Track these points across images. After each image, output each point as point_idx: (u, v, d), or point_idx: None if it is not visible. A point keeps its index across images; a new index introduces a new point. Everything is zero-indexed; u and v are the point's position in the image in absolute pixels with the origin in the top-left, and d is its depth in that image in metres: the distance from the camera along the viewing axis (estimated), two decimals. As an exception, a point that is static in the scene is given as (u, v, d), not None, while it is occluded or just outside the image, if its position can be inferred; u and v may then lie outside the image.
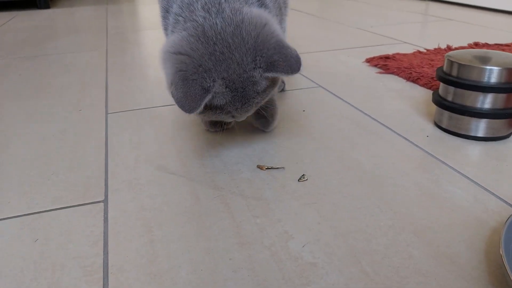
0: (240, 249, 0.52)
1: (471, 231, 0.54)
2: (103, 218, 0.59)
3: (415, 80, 1.07)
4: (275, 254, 0.51)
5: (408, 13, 2.11)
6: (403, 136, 0.79)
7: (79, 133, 0.85)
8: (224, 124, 0.80)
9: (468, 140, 0.78)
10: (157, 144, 0.79)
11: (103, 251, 0.53)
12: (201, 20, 0.61)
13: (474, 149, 0.75)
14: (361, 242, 0.52)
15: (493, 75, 0.74)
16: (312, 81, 1.12)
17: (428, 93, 1.00)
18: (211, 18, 0.60)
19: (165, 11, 0.69)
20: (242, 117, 0.68)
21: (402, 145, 0.76)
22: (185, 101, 0.57)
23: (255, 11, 0.63)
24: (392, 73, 1.14)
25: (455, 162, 0.70)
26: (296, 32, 1.71)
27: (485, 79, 0.75)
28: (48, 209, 0.62)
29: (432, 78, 1.04)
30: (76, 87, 1.13)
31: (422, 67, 1.13)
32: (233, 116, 0.67)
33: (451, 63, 0.78)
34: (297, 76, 1.16)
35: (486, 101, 0.76)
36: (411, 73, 1.10)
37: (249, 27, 0.61)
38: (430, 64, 1.16)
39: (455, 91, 0.78)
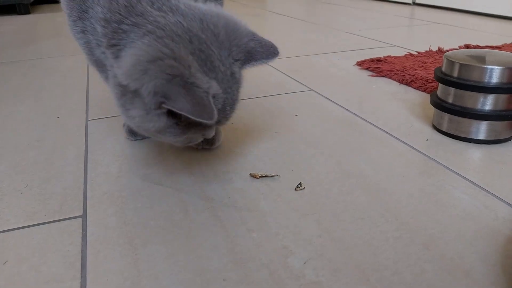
0: (235, 268, 0.47)
1: (484, 241, 0.50)
2: (81, 235, 0.53)
3: (408, 83, 1.04)
4: (274, 272, 0.46)
5: (395, 17, 2.10)
6: (402, 141, 0.75)
7: (56, 141, 0.79)
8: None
9: (469, 143, 0.74)
10: (141, 153, 0.74)
11: (81, 274, 0.47)
12: (161, 20, 0.51)
13: (477, 153, 0.71)
14: (368, 256, 0.48)
15: (494, 74, 0.71)
16: (303, 84, 1.08)
17: (423, 96, 0.97)
18: (170, 16, 0.52)
19: (79, 18, 0.58)
20: (213, 132, 0.59)
21: (402, 149, 0.72)
22: (199, 109, 0.47)
23: (203, 4, 0.57)
24: (385, 76, 1.11)
25: (458, 167, 0.66)
26: (285, 36, 1.67)
27: (486, 79, 0.72)
28: (19, 226, 0.56)
29: (426, 80, 1.01)
30: (56, 92, 1.07)
31: (415, 70, 1.10)
32: (203, 134, 0.58)
33: (451, 63, 0.75)
34: (287, 79, 1.12)
35: (487, 102, 0.73)
36: (404, 75, 1.07)
37: (212, 19, 0.54)
38: (422, 66, 1.13)
39: (455, 92, 0.75)
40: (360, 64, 1.20)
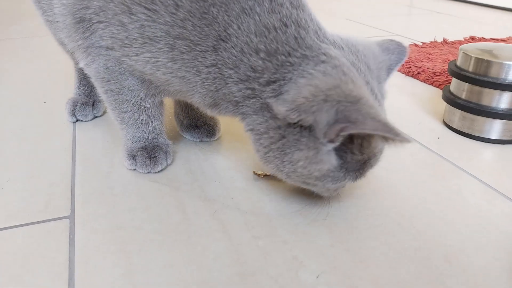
0: (241, 282, 0.42)
1: (507, 253, 0.46)
2: (68, 240, 0.48)
3: (415, 75, 0.99)
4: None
5: (394, 4, 2.04)
6: (413, 139, 0.71)
7: (42, 130, 0.73)
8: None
9: (482, 142, 0.71)
10: (134, 145, 0.68)
11: (68, 285, 0.42)
12: (331, 52, 0.46)
13: (491, 153, 0.68)
14: (386, 270, 0.44)
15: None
16: (305, 74, 1.02)
17: (430, 89, 0.93)
18: (333, 48, 0.47)
19: (213, 49, 0.47)
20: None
21: (413, 148, 0.68)
22: (393, 128, 0.41)
23: (343, 35, 0.53)
24: (390, 67, 1.06)
25: (474, 169, 0.62)
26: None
27: (503, 76, 0.68)
28: (0, 227, 0.50)
29: (434, 73, 0.97)
30: (42, 76, 1.00)
31: (421, 61, 1.05)
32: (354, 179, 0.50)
33: (467, 57, 0.71)
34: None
35: (503, 100, 0.69)
36: (410, 67, 1.02)
37: (361, 50, 0.50)
38: (428, 58, 1.08)
39: (471, 88, 0.71)
40: (363, 53, 1.15)
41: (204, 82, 0.49)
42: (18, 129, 0.73)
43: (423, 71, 0.99)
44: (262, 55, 0.46)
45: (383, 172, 0.61)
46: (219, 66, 0.47)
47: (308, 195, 0.55)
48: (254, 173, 0.60)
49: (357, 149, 0.45)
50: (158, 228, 0.49)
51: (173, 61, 0.49)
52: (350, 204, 0.54)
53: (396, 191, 0.57)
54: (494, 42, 1.25)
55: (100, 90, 0.59)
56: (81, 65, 0.58)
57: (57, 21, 0.60)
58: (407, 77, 1.01)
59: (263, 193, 0.56)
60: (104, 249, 0.46)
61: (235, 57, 0.47)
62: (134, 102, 0.58)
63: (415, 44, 1.21)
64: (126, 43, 0.51)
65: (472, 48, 0.72)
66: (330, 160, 0.45)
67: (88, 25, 0.53)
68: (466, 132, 0.72)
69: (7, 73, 1.02)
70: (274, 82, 0.46)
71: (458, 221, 0.51)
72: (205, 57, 0.48)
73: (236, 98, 0.49)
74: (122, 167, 0.62)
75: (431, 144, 0.69)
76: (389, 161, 0.64)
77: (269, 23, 0.46)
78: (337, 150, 0.45)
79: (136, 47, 0.50)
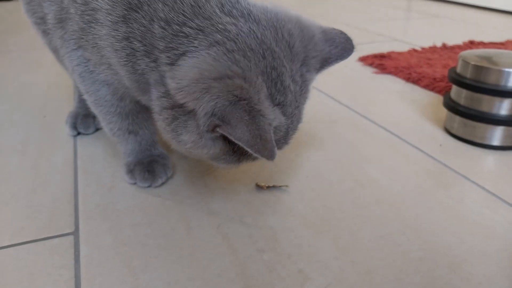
0: (247, 297, 0.42)
1: (511, 262, 0.46)
2: (73, 256, 0.48)
3: (415, 81, 0.99)
4: (291, 302, 0.41)
5: (392, 9, 2.05)
6: (416, 146, 0.71)
7: (43, 145, 0.73)
8: None
9: (484, 149, 0.71)
10: (136, 158, 0.68)
11: (75, 304, 0.42)
12: (233, 29, 0.43)
13: (493, 160, 0.68)
14: (392, 282, 0.44)
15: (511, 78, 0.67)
16: (305, 82, 1.02)
17: (431, 95, 0.93)
18: (242, 23, 0.44)
19: (124, 19, 0.46)
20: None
21: (415, 156, 0.68)
22: (260, 144, 0.40)
23: (272, 5, 0.49)
24: (390, 73, 1.06)
25: (476, 177, 0.62)
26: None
27: (503, 83, 0.68)
28: (5, 245, 0.50)
29: (434, 79, 0.97)
30: (41, 89, 1.00)
31: (421, 67, 1.06)
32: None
33: (466, 64, 0.71)
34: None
35: (504, 107, 0.69)
36: (410, 73, 1.02)
37: (286, 25, 0.47)
38: (428, 63, 1.09)
39: (471, 95, 0.71)
40: (363, 59, 1.15)
41: (120, 62, 0.48)
42: (19, 145, 0.73)
43: (423, 77, 0.99)
44: (162, 23, 0.44)
45: (386, 181, 0.61)
46: (130, 39, 0.45)
47: (313, 208, 0.55)
48: (257, 185, 0.60)
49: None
50: (162, 244, 0.49)
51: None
52: (354, 215, 0.54)
53: (400, 200, 0.57)
54: (493, 45, 1.26)
55: (88, 104, 0.60)
56: (74, 76, 0.59)
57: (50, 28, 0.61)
58: (408, 83, 1.01)
59: (266, 205, 0.56)
60: (109, 265, 0.46)
61: (144, 27, 0.45)
62: (113, 112, 0.58)
63: (414, 49, 1.22)
64: (81, 35, 0.51)
65: (471, 55, 0.72)
66: (216, 146, 0.44)
67: (63, 24, 0.55)
68: (468, 138, 0.72)
69: (5, 86, 1.02)
70: (168, 50, 0.44)
71: (462, 230, 0.51)
72: (117, 30, 0.46)
73: (146, 77, 0.47)
74: (124, 181, 0.62)
75: (433, 152, 0.69)
76: (391, 169, 0.64)
77: None
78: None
79: (85, 35, 0.51)
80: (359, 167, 0.65)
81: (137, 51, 0.46)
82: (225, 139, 0.45)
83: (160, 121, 0.47)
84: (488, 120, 0.70)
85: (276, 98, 0.44)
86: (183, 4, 0.44)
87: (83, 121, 0.76)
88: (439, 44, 1.27)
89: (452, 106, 0.74)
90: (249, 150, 0.40)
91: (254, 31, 0.44)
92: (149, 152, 0.62)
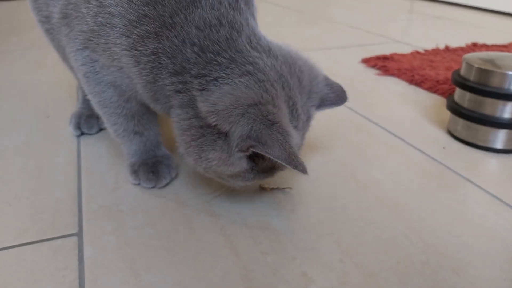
0: (251, 300, 0.42)
1: (517, 267, 0.46)
2: (77, 257, 0.48)
3: (418, 84, 0.99)
4: (295, 305, 0.41)
5: (394, 10, 2.05)
6: (419, 149, 0.71)
7: (46, 145, 0.73)
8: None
9: (487, 152, 0.71)
10: (140, 159, 0.68)
11: (78, 305, 0.42)
12: (260, 62, 0.47)
13: (497, 163, 0.68)
14: (396, 284, 0.44)
15: (516, 81, 0.67)
16: (308, 83, 1.02)
17: (434, 98, 0.93)
18: (265, 58, 0.48)
19: (155, 35, 0.47)
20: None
21: (419, 158, 0.68)
22: (296, 160, 0.44)
23: (283, 44, 0.54)
24: (393, 75, 1.06)
25: (480, 179, 0.62)
26: (281, 29, 1.62)
27: (506, 86, 0.68)
28: (8, 245, 0.50)
29: (437, 81, 0.97)
30: (44, 89, 1.00)
31: (424, 69, 1.06)
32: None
33: (470, 67, 0.71)
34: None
35: (507, 110, 0.69)
36: (413, 75, 1.02)
37: (297, 62, 0.52)
38: (431, 66, 1.09)
39: (474, 98, 0.71)
40: (366, 61, 1.15)
41: (141, 72, 0.49)
42: (22, 145, 0.74)
43: (426, 79, 0.99)
44: (195, 49, 0.46)
45: (389, 183, 0.61)
46: (158, 55, 0.47)
47: (316, 211, 0.55)
48: (261, 186, 0.60)
49: (268, 157, 0.46)
50: (166, 245, 0.49)
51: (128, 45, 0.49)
52: (357, 217, 0.54)
53: (403, 203, 0.57)
54: (496, 48, 1.26)
55: (92, 105, 0.61)
56: (79, 76, 0.59)
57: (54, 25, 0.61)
58: (410, 85, 1.01)
59: (270, 207, 0.56)
60: (113, 266, 0.46)
61: (176, 46, 0.47)
62: (119, 113, 0.58)
63: (417, 51, 1.22)
64: (90, 37, 0.52)
65: (475, 58, 0.72)
66: (241, 164, 0.48)
67: (68, 21, 0.55)
68: (471, 141, 0.72)
69: (7, 86, 1.03)
70: (201, 77, 0.47)
71: (466, 233, 0.51)
72: (145, 45, 0.48)
73: (168, 92, 0.49)
74: (127, 182, 0.62)
75: (436, 154, 0.69)
76: (394, 172, 0.64)
77: (207, 18, 0.47)
78: (250, 154, 0.47)
79: (95, 37, 0.51)
80: (362, 169, 0.65)
81: (165, 67, 0.48)
82: (249, 158, 0.48)
83: (184, 137, 0.49)
84: (491, 123, 0.70)
85: (293, 123, 0.49)
86: (218, 35, 0.47)
87: (86, 121, 0.76)
88: (442, 46, 1.27)
89: (456, 109, 0.74)
90: (287, 166, 0.44)
91: (274, 65, 0.49)
92: (153, 153, 0.62)
